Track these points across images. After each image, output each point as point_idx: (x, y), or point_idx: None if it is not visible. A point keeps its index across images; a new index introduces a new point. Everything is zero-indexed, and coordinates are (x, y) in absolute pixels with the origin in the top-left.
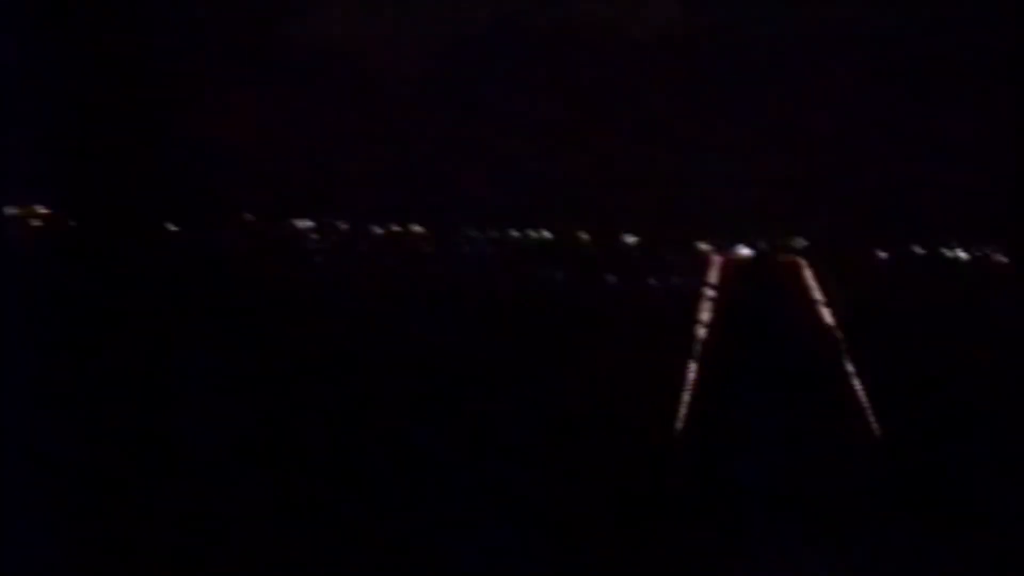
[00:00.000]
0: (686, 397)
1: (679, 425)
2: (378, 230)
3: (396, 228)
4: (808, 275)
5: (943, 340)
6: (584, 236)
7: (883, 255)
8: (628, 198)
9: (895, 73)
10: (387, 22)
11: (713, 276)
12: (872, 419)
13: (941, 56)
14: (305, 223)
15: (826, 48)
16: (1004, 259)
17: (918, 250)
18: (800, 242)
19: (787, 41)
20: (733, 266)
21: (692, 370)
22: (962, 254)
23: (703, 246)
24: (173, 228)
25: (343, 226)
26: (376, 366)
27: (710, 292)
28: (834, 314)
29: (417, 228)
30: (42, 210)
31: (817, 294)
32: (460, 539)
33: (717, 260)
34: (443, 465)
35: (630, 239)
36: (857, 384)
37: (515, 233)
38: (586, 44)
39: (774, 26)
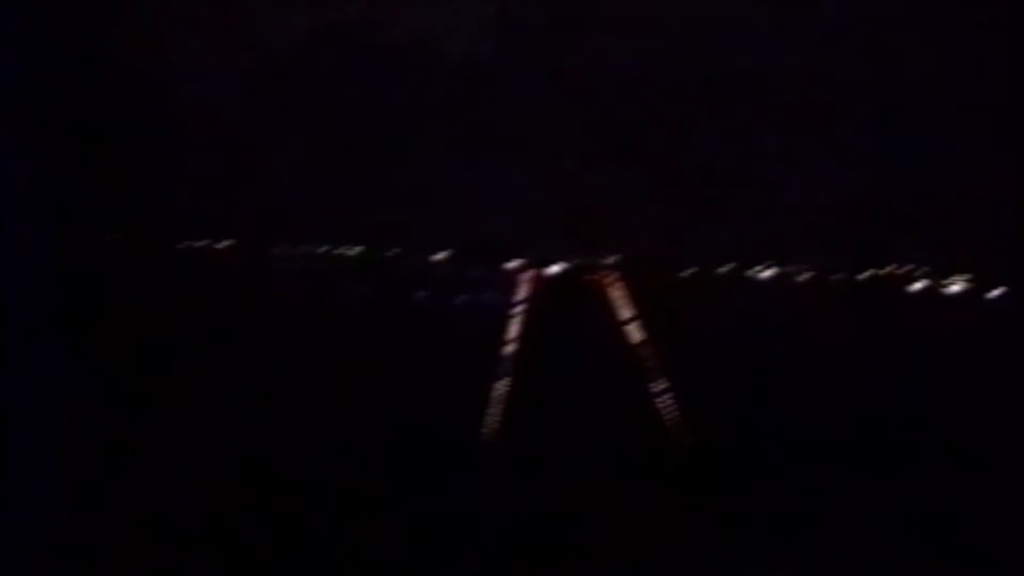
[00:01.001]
0: (493, 414)
1: (485, 442)
2: (192, 244)
3: (206, 242)
4: (618, 292)
5: (751, 355)
6: (394, 252)
7: (692, 272)
8: (438, 215)
9: (711, 90)
10: (200, 38)
11: (522, 293)
12: (678, 433)
13: (755, 75)
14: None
15: (640, 64)
16: (811, 275)
17: (724, 269)
18: (611, 259)
19: (602, 57)
20: (542, 283)
21: (500, 387)
22: (769, 272)
23: (513, 263)
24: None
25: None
26: (182, 375)
27: (519, 309)
28: (643, 330)
29: (226, 242)
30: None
31: (626, 311)
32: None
33: (527, 277)
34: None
35: (440, 255)
36: (664, 399)
37: (324, 249)
38: (399, 60)
39: (591, 44)
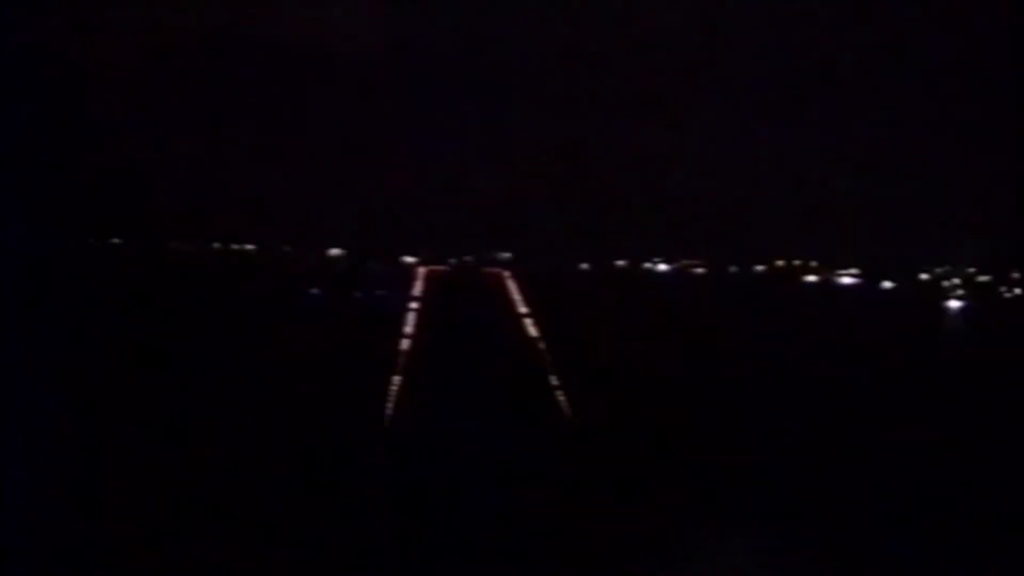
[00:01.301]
0: (390, 408)
1: (383, 434)
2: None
3: (108, 240)
4: (512, 287)
5: (641, 346)
6: (288, 249)
7: (586, 267)
8: (334, 212)
9: (612, 90)
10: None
11: (417, 289)
12: (572, 423)
13: (650, 72)
14: None
15: (536, 65)
16: (703, 270)
17: (620, 263)
18: (505, 255)
19: (496, 57)
20: (437, 278)
21: (396, 382)
22: (664, 266)
23: (408, 259)
24: None
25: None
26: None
27: (414, 304)
28: (537, 325)
29: (118, 240)
30: None
31: (521, 306)
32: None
33: (421, 272)
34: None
35: (335, 252)
36: (559, 393)
37: (218, 245)
38: (291, 58)
39: (484, 42)
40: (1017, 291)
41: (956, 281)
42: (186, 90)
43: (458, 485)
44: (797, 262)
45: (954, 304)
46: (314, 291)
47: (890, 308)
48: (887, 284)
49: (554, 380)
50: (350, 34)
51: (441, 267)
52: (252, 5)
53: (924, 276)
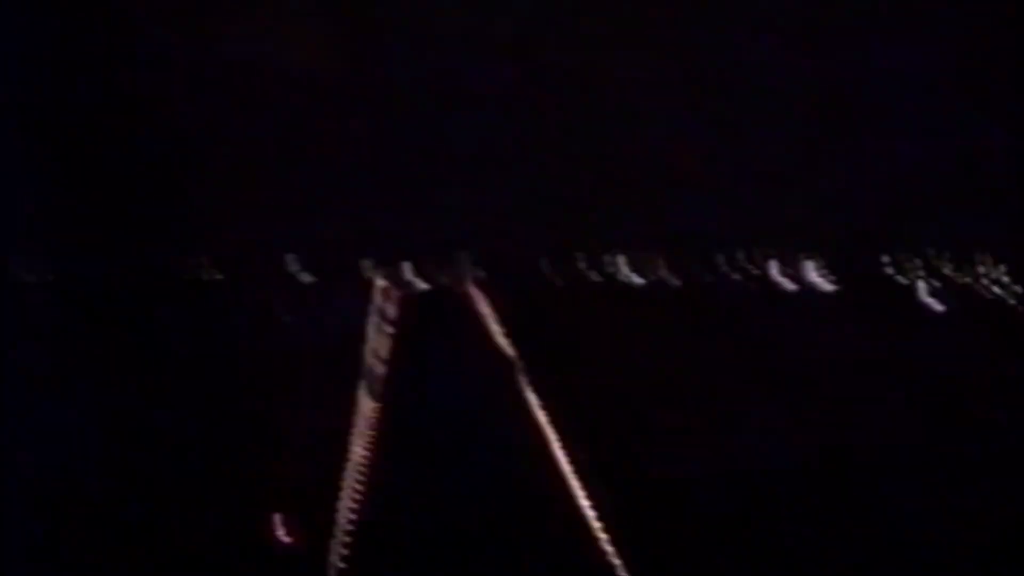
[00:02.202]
0: (361, 430)
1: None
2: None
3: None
4: (484, 305)
5: (619, 361)
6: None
7: (559, 283)
8: (295, 228)
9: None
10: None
11: (389, 310)
12: (554, 441)
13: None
14: None
15: (480, 80)
16: (676, 282)
17: (594, 276)
18: (478, 273)
19: (434, 77)
20: (409, 299)
21: (368, 407)
22: (637, 279)
23: (379, 281)
24: None
25: None
26: None
27: (386, 327)
28: (512, 343)
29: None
30: None
31: (494, 324)
32: None
33: (394, 294)
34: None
35: (300, 271)
36: (537, 408)
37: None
38: (236, 78)
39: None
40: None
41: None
42: (135, 106)
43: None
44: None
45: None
46: (281, 315)
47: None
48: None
49: (536, 404)
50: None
51: (412, 287)
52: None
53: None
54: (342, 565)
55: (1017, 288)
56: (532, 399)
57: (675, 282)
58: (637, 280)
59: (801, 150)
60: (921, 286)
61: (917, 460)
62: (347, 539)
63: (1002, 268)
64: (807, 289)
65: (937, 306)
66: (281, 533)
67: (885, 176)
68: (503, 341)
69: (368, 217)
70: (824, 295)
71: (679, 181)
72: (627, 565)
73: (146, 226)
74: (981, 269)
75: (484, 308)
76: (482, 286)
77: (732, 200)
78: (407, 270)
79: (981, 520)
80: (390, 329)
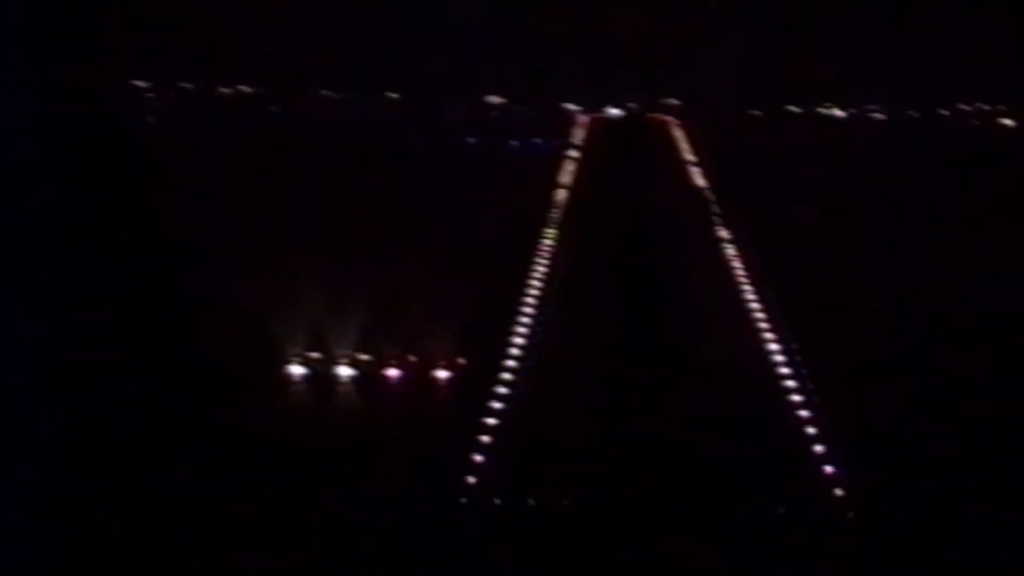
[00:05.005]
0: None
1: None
2: None
3: None
4: (679, 135)
5: (816, 192)
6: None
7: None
8: (488, 61)
9: None
10: None
11: (579, 136)
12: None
13: None
14: None
15: None
16: (883, 116)
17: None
18: (671, 102)
19: None
20: (601, 125)
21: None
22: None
23: (570, 106)
24: None
25: None
26: None
27: (574, 152)
28: (705, 175)
29: None
30: None
31: (688, 153)
32: None
33: (583, 120)
34: None
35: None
36: (725, 241)
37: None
38: None
39: None
40: None
41: None
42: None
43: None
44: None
45: None
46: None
47: None
48: None
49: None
50: None
51: (604, 113)
52: None
53: None
54: (518, 386)
55: None
56: (721, 231)
57: (881, 115)
58: (838, 112)
59: None
60: None
61: None
62: (520, 363)
63: None
64: None
65: None
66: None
67: None
68: (695, 171)
69: (558, 38)
70: None
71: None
72: (811, 405)
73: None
74: None
75: (678, 137)
76: (679, 114)
77: None
78: (601, 95)
79: None
80: (577, 154)
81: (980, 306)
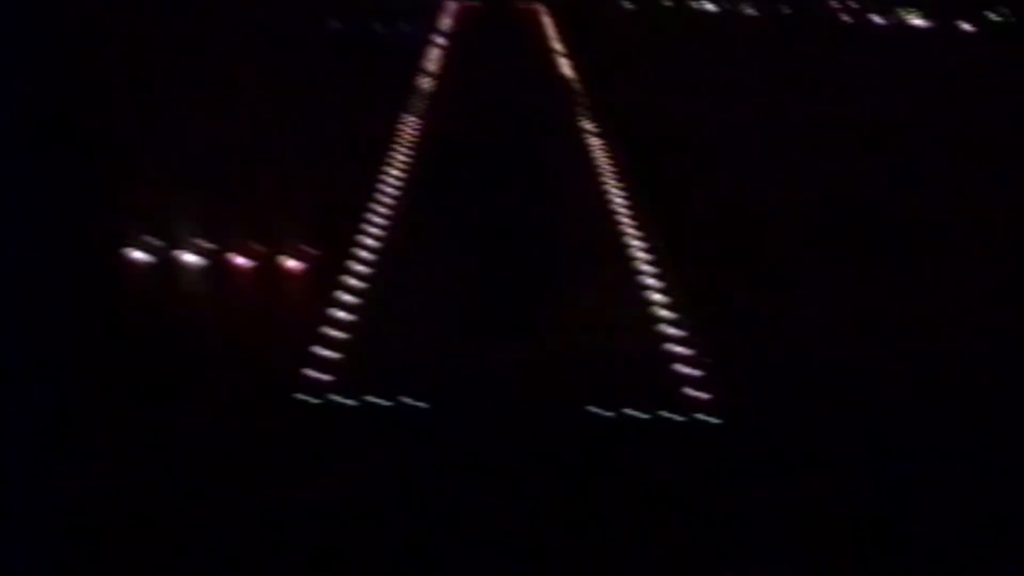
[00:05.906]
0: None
1: None
2: None
3: None
4: (547, 23)
5: (685, 85)
6: None
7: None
8: None
9: None
10: None
11: (446, 22)
12: (605, 166)
13: None
14: None
15: None
16: (755, 11)
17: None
18: None
19: None
20: (467, 10)
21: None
22: (711, 7)
23: None
24: None
25: None
26: None
27: (440, 38)
28: (573, 65)
29: None
30: None
31: (556, 42)
32: None
33: (452, 6)
34: None
35: None
36: (590, 131)
37: None
38: None
39: None
40: None
41: None
42: None
43: None
44: None
45: None
46: (335, 24)
47: None
48: None
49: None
50: None
51: (471, 1)
52: None
53: None
54: (368, 278)
55: None
56: (585, 122)
57: (752, 11)
58: (710, 7)
59: None
60: None
61: None
62: (372, 254)
63: None
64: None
65: None
66: (307, 248)
67: None
68: (562, 60)
69: None
70: None
71: None
72: (666, 291)
73: None
74: None
75: (546, 24)
76: (547, 2)
77: None
78: None
79: None
80: (444, 41)
81: (842, 198)
